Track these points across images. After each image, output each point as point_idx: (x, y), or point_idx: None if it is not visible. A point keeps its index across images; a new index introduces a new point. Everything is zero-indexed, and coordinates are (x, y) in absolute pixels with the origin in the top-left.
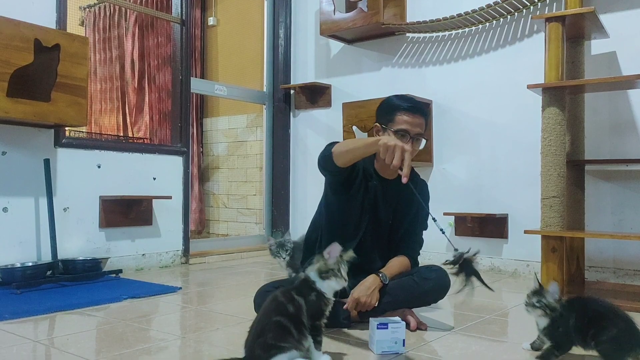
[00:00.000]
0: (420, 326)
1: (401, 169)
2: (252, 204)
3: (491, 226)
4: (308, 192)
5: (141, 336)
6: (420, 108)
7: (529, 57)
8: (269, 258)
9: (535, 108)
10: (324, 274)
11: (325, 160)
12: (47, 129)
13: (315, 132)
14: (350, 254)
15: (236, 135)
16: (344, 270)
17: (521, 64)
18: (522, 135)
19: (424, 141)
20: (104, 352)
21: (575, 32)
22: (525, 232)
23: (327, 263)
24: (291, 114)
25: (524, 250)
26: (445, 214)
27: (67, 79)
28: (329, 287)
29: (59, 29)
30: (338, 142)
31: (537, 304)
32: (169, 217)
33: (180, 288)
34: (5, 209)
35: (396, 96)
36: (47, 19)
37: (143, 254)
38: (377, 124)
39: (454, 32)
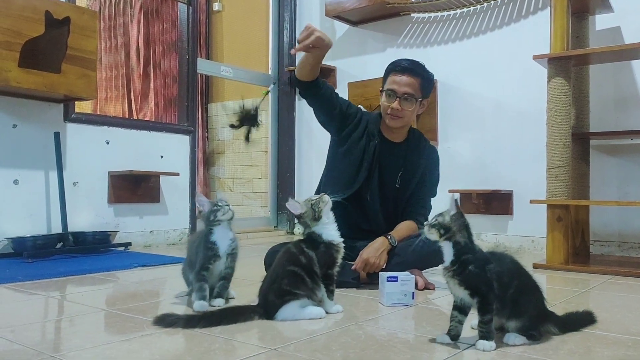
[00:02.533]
0: (428, 286)
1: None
2: (257, 188)
3: (496, 202)
4: (314, 174)
5: (154, 293)
6: (409, 68)
7: (534, 35)
8: (276, 239)
9: (539, 84)
10: (309, 223)
11: (292, 78)
12: (56, 104)
13: None
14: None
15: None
16: (321, 206)
17: (526, 41)
18: (527, 112)
19: (421, 103)
20: (118, 304)
21: (580, 5)
22: (531, 201)
23: (303, 215)
24: (296, 96)
25: (529, 226)
26: (450, 190)
27: (77, 51)
28: (327, 226)
29: (69, 2)
30: None
31: (433, 223)
32: (176, 195)
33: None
34: (16, 181)
35: (397, 59)
36: None
37: (151, 231)
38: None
39: (459, 10)
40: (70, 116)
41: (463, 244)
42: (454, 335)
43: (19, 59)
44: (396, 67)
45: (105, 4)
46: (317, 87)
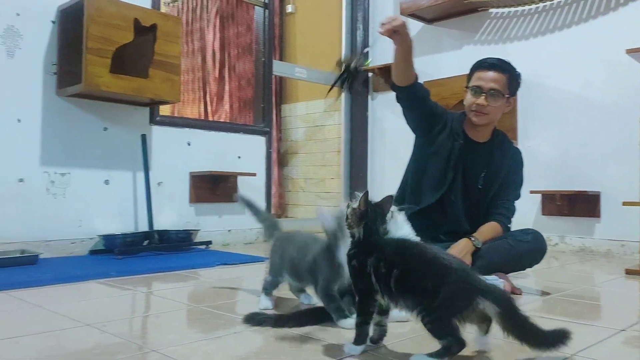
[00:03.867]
0: (515, 291)
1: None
2: (330, 188)
3: (582, 204)
4: (386, 174)
5: (237, 291)
6: (496, 65)
7: (623, 27)
8: None
9: (630, 79)
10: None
11: (391, 86)
12: (142, 107)
13: (393, 114)
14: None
15: (314, 120)
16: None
17: (614, 34)
18: (615, 107)
19: (507, 100)
20: (207, 301)
21: None
22: (624, 203)
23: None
24: (369, 96)
25: (619, 229)
26: (532, 192)
27: (162, 56)
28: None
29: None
30: None
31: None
32: (252, 194)
33: (268, 258)
34: (107, 182)
35: (484, 57)
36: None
37: (229, 230)
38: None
39: (541, 4)
40: (155, 119)
41: (356, 239)
42: (375, 339)
43: (110, 65)
44: (483, 64)
45: (182, 9)
46: (414, 93)
